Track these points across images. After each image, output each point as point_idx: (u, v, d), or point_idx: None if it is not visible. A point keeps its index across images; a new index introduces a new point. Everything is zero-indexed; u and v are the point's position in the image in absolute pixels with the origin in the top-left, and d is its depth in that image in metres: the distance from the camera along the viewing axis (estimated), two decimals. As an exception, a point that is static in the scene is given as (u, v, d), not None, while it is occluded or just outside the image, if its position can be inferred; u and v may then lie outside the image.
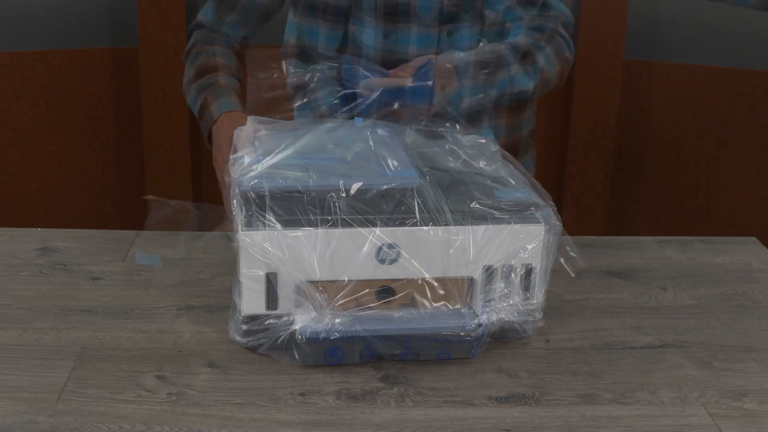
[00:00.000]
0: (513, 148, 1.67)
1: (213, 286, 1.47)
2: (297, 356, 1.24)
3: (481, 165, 1.36)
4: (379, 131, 1.40)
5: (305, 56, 1.57)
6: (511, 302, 1.28)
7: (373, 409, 1.17)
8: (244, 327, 1.25)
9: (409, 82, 1.38)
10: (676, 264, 1.62)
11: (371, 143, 1.35)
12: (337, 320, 1.23)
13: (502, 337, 1.31)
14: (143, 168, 2.95)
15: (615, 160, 3.03)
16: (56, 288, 1.45)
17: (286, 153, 1.31)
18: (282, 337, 1.23)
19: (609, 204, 3.07)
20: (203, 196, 3.02)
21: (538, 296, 1.29)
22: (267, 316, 1.24)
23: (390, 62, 1.54)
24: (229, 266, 1.53)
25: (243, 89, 1.54)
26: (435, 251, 1.23)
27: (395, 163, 1.29)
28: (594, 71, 2.88)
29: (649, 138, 3.00)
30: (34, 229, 1.66)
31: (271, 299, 1.23)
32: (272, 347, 1.24)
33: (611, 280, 1.55)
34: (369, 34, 1.52)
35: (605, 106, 2.91)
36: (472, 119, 1.59)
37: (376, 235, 1.22)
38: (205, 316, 1.37)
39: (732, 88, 2.91)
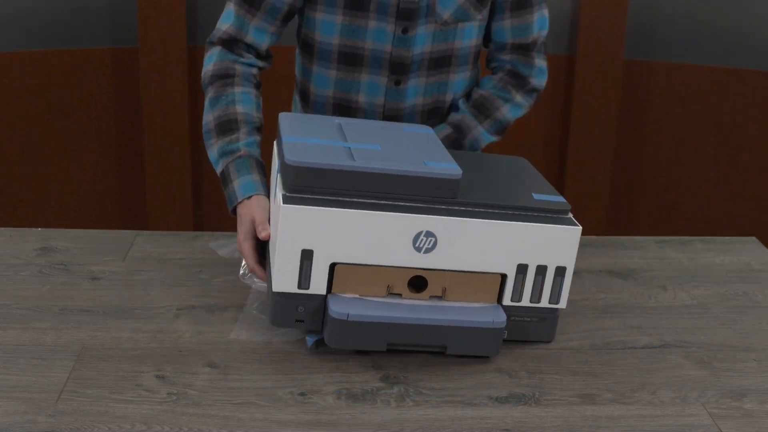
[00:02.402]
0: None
1: (213, 286, 1.47)
2: (324, 336, 1.25)
3: None
4: (418, 131, 1.43)
5: (231, 45, 1.55)
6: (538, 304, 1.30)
7: (373, 409, 1.17)
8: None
9: None
10: (676, 264, 1.62)
11: (411, 138, 1.38)
12: (366, 305, 1.24)
13: (523, 337, 1.32)
14: (143, 168, 2.95)
15: (615, 160, 3.03)
16: (56, 288, 1.45)
17: (329, 137, 1.32)
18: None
19: (609, 204, 3.07)
20: (203, 195, 3.02)
21: (564, 298, 1.30)
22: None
23: (347, 55, 1.56)
24: (230, 266, 1.53)
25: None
26: (472, 244, 1.24)
27: (437, 156, 1.31)
28: (594, 71, 2.88)
29: (649, 138, 3.00)
30: (34, 229, 1.66)
31: (305, 277, 1.23)
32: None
33: (611, 280, 1.55)
34: (327, 26, 1.54)
35: (605, 106, 2.91)
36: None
37: (416, 222, 1.22)
38: (205, 316, 1.37)
39: (732, 88, 2.91)
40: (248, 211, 1.38)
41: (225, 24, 1.54)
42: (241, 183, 1.41)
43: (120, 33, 2.82)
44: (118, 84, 2.85)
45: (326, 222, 1.20)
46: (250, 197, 1.39)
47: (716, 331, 1.39)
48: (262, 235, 1.33)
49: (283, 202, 1.20)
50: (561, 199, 1.31)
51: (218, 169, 1.47)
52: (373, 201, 1.23)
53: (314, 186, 1.22)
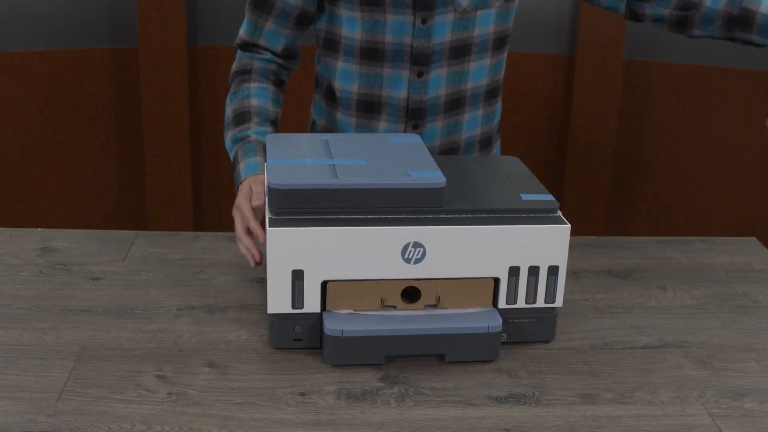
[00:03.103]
0: (487, 139, 1.72)
1: (213, 286, 1.47)
2: (323, 354, 1.25)
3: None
4: (405, 140, 1.42)
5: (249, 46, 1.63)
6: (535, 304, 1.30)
7: (373, 409, 1.17)
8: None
9: None
10: (676, 264, 1.62)
11: (397, 149, 1.38)
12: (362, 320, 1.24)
13: (522, 338, 1.32)
14: (143, 168, 2.95)
15: (615, 160, 3.03)
16: (56, 288, 1.45)
17: (314, 155, 1.33)
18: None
19: (609, 204, 3.07)
20: (202, 195, 3.02)
21: (560, 297, 1.30)
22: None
23: (368, 50, 1.57)
24: (230, 266, 1.53)
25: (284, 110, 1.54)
26: (461, 251, 1.24)
27: (421, 165, 1.31)
28: (594, 71, 2.88)
29: (649, 138, 3.00)
30: (34, 229, 1.66)
31: (298, 297, 1.24)
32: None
33: (611, 280, 1.55)
34: (350, 22, 1.56)
35: (605, 106, 2.91)
36: (451, 107, 1.65)
37: (402, 234, 1.23)
38: (205, 316, 1.37)
39: (732, 88, 2.91)
40: (248, 181, 1.44)
41: (242, 30, 1.62)
42: (246, 164, 1.47)
43: (120, 33, 2.82)
44: (118, 84, 2.85)
45: (314, 241, 1.21)
46: (253, 175, 1.45)
47: (716, 331, 1.39)
48: (254, 203, 1.36)
49: (270, 225, 1.21)
50: (549, 197, 1.31)
51: (231, 156, 1.54)
52: (359, 216, 1.24)
53: (300, 207, 1.23)
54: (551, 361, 1.29)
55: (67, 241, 1.62)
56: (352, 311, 1.27)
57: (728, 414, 1.18)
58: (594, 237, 1.73)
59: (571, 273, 1.57)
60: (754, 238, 1.75)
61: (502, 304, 1.29)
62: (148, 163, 2.88)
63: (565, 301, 1.46)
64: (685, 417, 1.17)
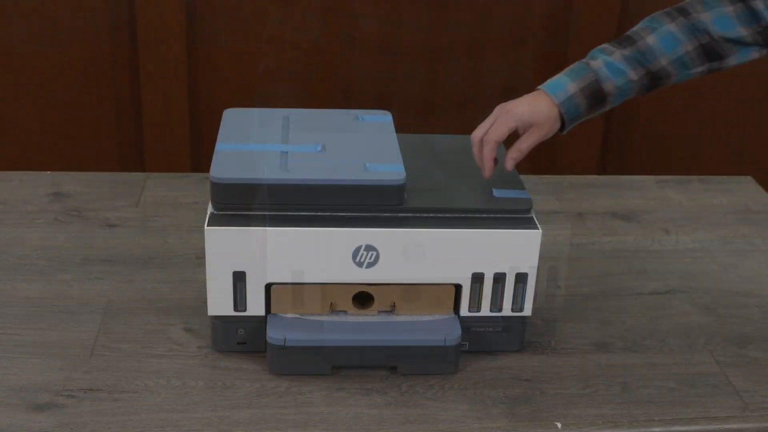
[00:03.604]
0: None
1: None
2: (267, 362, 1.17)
3: None
4: (372, 121, 1.31)
5: None
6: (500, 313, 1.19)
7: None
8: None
9: None
10: (676, 205, 1.65)
11: (361, 133, 1.26)
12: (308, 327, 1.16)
13: (487, 348, 1.22)
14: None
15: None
16: (73, 237, 1.45)
17: (267, 140, 1.22)
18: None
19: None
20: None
21: (527, 306, 1.19)
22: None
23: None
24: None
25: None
26: (418, 255, 1.13)
27: (382, 156, 1.19)
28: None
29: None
30: (43, 172, 1.65)
31: (240, 299, 1.15)
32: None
33: (615, 222, 1.58)
34: None
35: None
36: None
37: (353, 236, 1.12)
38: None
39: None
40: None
41: None
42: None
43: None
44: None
45: (255, 242, 1.11)
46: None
47: (718, 276, 1.43)
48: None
49: (208, 224, 1.11)
50: (524, 194, 1.19)
51: None
52: (308, 213, 1.13)
53: (243, 202, 1.11)
54: (565, 308, 1.33)
55: (78, 185, 1.61)
56: (298, 316, 1.17)
57: (734, 362, 1.23)
58: (594, 176, 1.76)
59: (576, 215, 1.60)
60: (750, 177, 1.79)
61: (464, 311, 1.18)
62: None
63: (572, 244, 1.49)
64: (694, 365, 1.22)
